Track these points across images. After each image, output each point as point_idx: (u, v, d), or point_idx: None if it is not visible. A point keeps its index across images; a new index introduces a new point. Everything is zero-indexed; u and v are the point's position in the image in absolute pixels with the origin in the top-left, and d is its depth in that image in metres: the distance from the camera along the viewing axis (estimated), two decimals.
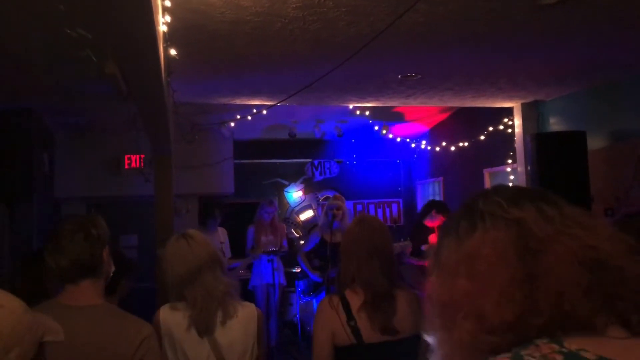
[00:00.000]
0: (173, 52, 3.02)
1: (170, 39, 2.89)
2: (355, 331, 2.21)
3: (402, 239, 6.16)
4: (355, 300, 2.27)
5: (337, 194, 6.35)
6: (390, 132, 8.48)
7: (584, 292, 0.82)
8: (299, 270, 6.71)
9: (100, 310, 1.95)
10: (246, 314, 2.34)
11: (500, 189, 0.95)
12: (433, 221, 5.98)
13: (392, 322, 2.23)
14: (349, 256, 2.35)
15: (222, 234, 6.22)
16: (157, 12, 2.31)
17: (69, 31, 2.01)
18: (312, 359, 2.29)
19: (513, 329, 0.83)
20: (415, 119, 8.25)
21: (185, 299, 2.29)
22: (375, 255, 2.30)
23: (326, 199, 8.65)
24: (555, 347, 0.79)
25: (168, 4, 2.60)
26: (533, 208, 0.89)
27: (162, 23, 2.62)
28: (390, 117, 7.75)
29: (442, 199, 8.07)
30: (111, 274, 2.11)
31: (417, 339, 2.33)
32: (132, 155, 7.44)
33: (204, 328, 2.25)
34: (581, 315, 0.82)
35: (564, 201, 0.92)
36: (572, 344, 0.79)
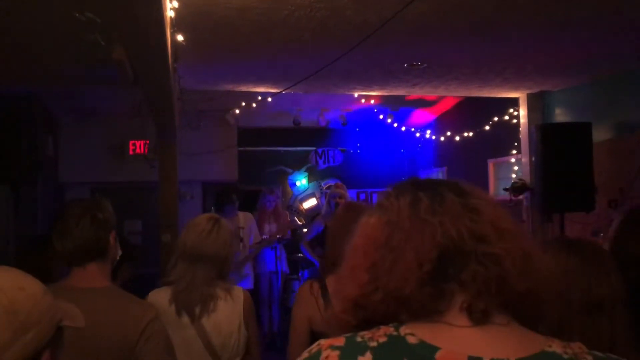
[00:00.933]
0: (180, 37, 3.02)
1: (177, 24, 2.89)
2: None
3: None
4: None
5: (339, 182, 6.35)
6: (395, 121, 8.47)
7: (426, 277, 0.84)
8: (300, 255, 6.71)
9: (107, 292, 1.97)
10: (232, 296, 2.33)
11: (409, 180, 1.00)
12: None
13: None
14: (335, 241, 2.34)
15: (243, 218, 6.06)
16: None
17: (77, 15, 2.02)
18: (289, 342, 2.32)
19: (359, 307, 0.88)
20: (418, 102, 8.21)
21: (169, 282, 2.30)
22: None
23: (329, 187, 8.67)
24: (390, 330, 0.84)
25: None
26: (409, 197, 0.92)
27: (170, 8, 2.62)
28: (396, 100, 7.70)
29: None
30: (118, 258, 2.13)
31: None
32: (137, 141, 7.46)
33: (187, 309, 2.25)
34: (421, 298, 0.84)
35: (466, 188, 0.94)
36: (407, 329, 0.83)
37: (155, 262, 5.45)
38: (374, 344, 0.82)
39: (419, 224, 0.88)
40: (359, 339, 0.84)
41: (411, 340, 0.82)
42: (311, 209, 9.03)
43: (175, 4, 2.66)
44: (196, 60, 4.21)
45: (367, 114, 8.12)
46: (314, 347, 0.86)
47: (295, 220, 8.85)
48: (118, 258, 2.14)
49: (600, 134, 5.04)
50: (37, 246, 2.90)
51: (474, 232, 0.86)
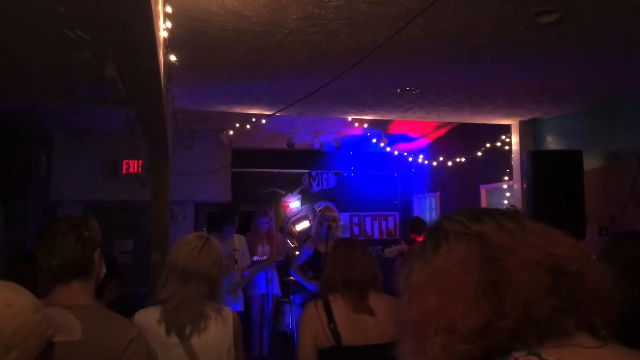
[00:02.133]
0: (173, 58, 3.04)
1: (170, 45, 2.91)
2: (335, 334, 2.30)
3: (396, 243, 6.20)
4: (337, 304, 2.37)
5: (329, 205, 6.34)
6: (389, 146, 8.50)
7: (548, 295, 0.85)
8: (292, 279, 6.66)
9: (89, 310, 1.95)
10: (223, 317, 2.31)
11: (463, 210, 1.00)
12: (421, 238, 6.05)
13: (372, 328, 2.31)
14: (337, 262, 2.49)
15: (237, 241, 6.03)
16: (158, 18, 2.33)
17: (67, 32, 2.03)
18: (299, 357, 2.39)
19: (483, 335, 0.85)
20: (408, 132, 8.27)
21: (159, 302, 2.28)
22: (350, 286, 2.45)
23: (321, 210, 8.65)
24: (534, 359, 0.81)
25: (169, 10, 2.62)
26: (493, 222, 0.93)
27: (163, 29, 2.64)
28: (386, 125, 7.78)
29: (438, 214, 8.08)
30: (102, 276, 2.11)
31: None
32: (130, 161, 7.45)
33: (177, 328, 2.23)
34: (549, 318, 0.84)
35: (525, 217, 0.97)
36: (550, 355, 0.81)
37: (146, 282, 5.40)
38: None
39: (524, 246, 0.89)
40: None
41: None
42: (304, 232, 9.00)
43: (169, 25, 2.69)
44: (190, 81, 4.24)
45: (361, 137, 8.15)
46: None
47: (288, 243, 8.81)
48: (102, 276, 2.12)
49: (591, 162, 5.07)
50: (21, 264, 2.87)
51: (566, 254, 0.89)
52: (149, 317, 2.26)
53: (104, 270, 2.10)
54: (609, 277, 0.89)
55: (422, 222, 6.47)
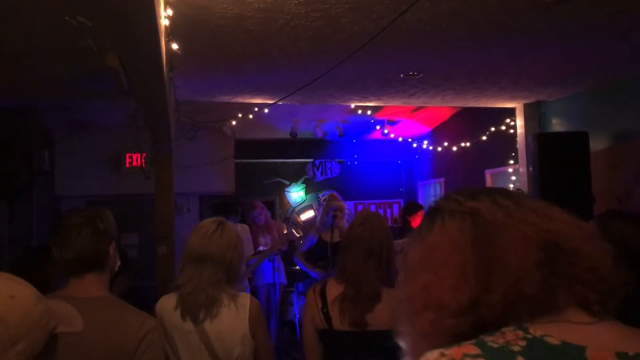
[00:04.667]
0: (175, 46, 3.01)
1: (172, 33, 2.88)
2: (327, 318, 2.35)
3: (403, 235, 6.16)
4: (333, 290, 2.39)
5: (333, 193, 6.32)
6: (392, 132, 8.46)
7: (540, 272, 0.84)
8: (297, 268, 6.66)
9: (104, 302, 1.94)
10: (237, 304, 2.31)
11: (462, 189, 1.00)
12: (416, 222, 6.06)
13: (364, 317, 2.32)
14: (347, 254, 2.47)
15: (242, 231, 6.05)
16: (159, 5, 2.30)
17: (68, 19, 2.00)
18: (303, 345, 2.47)
19: (470, 310, 0.86)
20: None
21: (177, 287, 2.29)
22: (371, 257, 2.41)
23: (325, 199, 8.64)
24: (520, 333, 0.81)
25: None
26: (489, 200, 0.93)
27: (164, 17, 2.61)
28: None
29: None
30: (116, 269, 2.10)
31: (390, 332, 2.37)
32: (133, 154, 7.44)
33: (191, 312, 2.24)
34: (540, 295, 0.84)
35: (525, 196, 0.97)
36: (537, 330, 0.81)
37: (152, 275, 5.40)
38: (517, 348, 0.79)
39: (517, 222, 0.89)
40: (493, 345, 0.81)
41: (552, 341, 0.80)
42: (308, 221, 9.00)
43: (170, 12, 2.65)
44: (192, 71, 4.20)
45: (364, 125, 8.11)
46: (439, 359, 0.81)
47: (293, 233, 8.81)
48: (117, 269, 2.12)
49: (597, 143, 5.03)
50: (35, 257, 2.87)
51: (562, 231, 0.88)
52: (167, 303, 2.31)
53: (119, 263, 2.09)
54: (609, 255, 0.89)
55: (415, 203, 6.59)
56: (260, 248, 6.30)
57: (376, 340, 2.29)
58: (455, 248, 0.90)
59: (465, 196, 0.96)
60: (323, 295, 2.40)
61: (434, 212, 0.98)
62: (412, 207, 6.51)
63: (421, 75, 4.67)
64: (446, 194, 1.02)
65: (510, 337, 0.81)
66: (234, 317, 2.28)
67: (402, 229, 6.33)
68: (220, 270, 2.29)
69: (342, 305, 2.34)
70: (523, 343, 0.80)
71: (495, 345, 0.80)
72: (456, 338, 0.84)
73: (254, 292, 6.34)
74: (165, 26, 2.70)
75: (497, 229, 0.88)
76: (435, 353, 0.82)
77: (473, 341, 0.82)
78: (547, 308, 0.84)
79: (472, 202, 0.94)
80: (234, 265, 2.36)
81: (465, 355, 0.79)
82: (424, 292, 0.92)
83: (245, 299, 2.35)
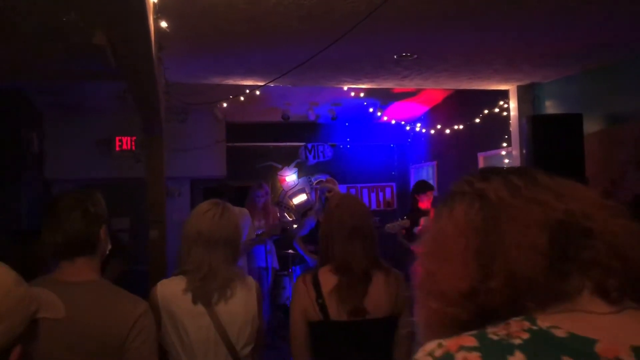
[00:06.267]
0: (164, 24, 2.94)
1: (160, 10, 2.81)
2: (323, 309, 2.26)
3: (399, 218, 6.14)
4: (326, 279, 2.31)
5: (330, 177, 6.29)
6: (385, 115, 8.42)
7: (545, 255, 0.78)
8: (292, 251, 6.64)
9: (95, 286, 1.91)
10: (247, 284, 2.33)
11: (479, 169, 0.95)
12: (424, 202, 5.99)
13: (362, 304, 2.26)
14: (329, 238, 2.38)
15: (239, 214, 5.93)
16: None
17: None
18: (290, 334, 2.36)
19: (471, 298, 0.81)
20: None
21: (184, 272, 2.25)
22: (356, 237, 2.33)
23: (319, 182, 8.61)
24: (526, 324, 0.76)
25: None
26: (500, 179, 0.88)
27: None
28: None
29: (435, 183, 8.03)
30: (107, 253, 2.06)
31: (391, 320, 2.31)
32: (123, 137, 7.38)
33: (203, 298, 2.22)
34: (548, 281, 0.78)
35: (546, 174, 0.90)
36: (545, 321, 0.76)
37: (144, 259, 5.36)
38: (517, 341, 0.74)
39: (525, 203, 0.83)
40: (493, 337, 0.76)
41: (559, 333, 0.74)
42: (301, 205, 8.97)
43: None
44: (182, 51, 4.13)
45: (357, 108, 8.06)
46: (436, 350, 0.77)
47: (285, 216, 8.78)
48: (107, 253, 2.07)
49: (591, 125, 5.01)
50: (25, 240, 2.83)
51: (582, 210, 0.82)
52: (173, 287, 2.25)
53: (110, 247, 2.04)
54: (637, 237, 0.81)
55: (425, 183, 6.34)
56: (257, 231, 6.25)
57: (375, 330, 2.25)
58: (459, 232, 0.86)
59: (476, 177, 0.91)
60: (316, 284, 2.30)
61: (447, 196, 0.94)
62: (422, 186, 6.17)
63: (415, 56, 4.62)
64: (462, 175, 0.96)
65: (514, 329, 0.76)
66: (246, 297, 2.29)
67: (411, 208, 6.21)
68: (230, 252, 2.29)
69: (339, 293, 2.26)
70: (525, 336, 0.75)
71: (495, 338, 0.75)
72: (463, 329, 0.79)
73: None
74: (154, 3, 2.63)
75: (501, 211, 0.83)
76: (433, 344, 0.78)
77: (474, 332, 0.77)
78: (558, 296, 0.78)
79: (481, 182, 0.89)
80: (239, 246, 2.37)
81: (461, 347, 0.75)
82: (428, 279, 0.89)
83: (251, 280, 2.38)
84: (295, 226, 7.46)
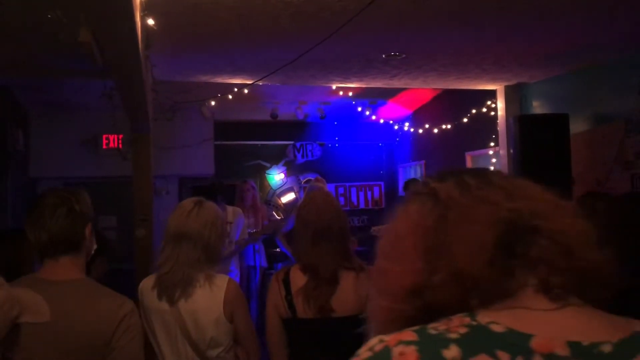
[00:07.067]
0: (151, 21, 2.91)
1: (147, 7, 2.79)
2: (291, 306, 2.29)
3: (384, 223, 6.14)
4: (296, 278, 2.33)
5: (318, 176, 6.28)
6: (374, 114, 8.42)
7: (490, 253, 0.79)
8: (278, 250, 6.63)
9: (80, 284, 1.89)
10: (213, 285, 2.27)
11: (438, 171, 0.96)
12: None
13: (329, 303, 2.27)
14: (297, 239, 2.43)
15: (232, 213, 5.86)
16: None
17: None
18: (266, 329, 2.39)
19: (417, 295, 0.82)
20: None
21: (157, 267, 2.28)
22: (322, 238, 2.33)
23: (308, 181, 8.60)
24: (466, 320, 0.77)
25: None
26: (454, 179, 0.89)
27: None
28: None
29: None
30: (92, 252, 2.04)
31: (358, 318, 2.35)
32: (110, 135, 7.31)
33: (167, 291, 2.22)
34: (492, 279, 0.79)
35: (500, 174, 0.92)
36: (485, 317, 0.77)
37: (131, 258, 5.33)
38: (454, 335, 0.75)
39: (474, 202, 0.84)
40: (432, 331, 0.76)
41: (496, 328, 0.75)
42: (290, 204, 8.95)
43: None
44: (169, 49, 4.10)
45: (346, 107, 8.06)
46: (376, 345, 0.77)
47: (274, 215, 8.77)
48: (93, 252, 2.05)
49: (577, 125, 5.05)
50: (9, 238, 2.79)
51: (531, 209, 0.83)
52: (148, 282, 2.30)
53: (95, 246, 2.02)
54: (589, 234, 0.83)
55: (416, 180, 6.35)
56: (249, 230, 6.23)
57: (342, 328, 2.24)
58: (411, 231, 0.87)
59: (434, 177, 0.92)
60: (286, 282, 2.33)
61: (406, 197, 0.95)
62: (411, 185, 6.25)
63: (404, 55, 4.62)
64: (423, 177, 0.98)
65: (454, 324, 0.76)
66: (208, 298, 2.23)
67: None
68: (198, 250, 2.25)
69: (306, 292, 2.28)
70: (464, 330, 0.75)
71: (434, 332, 0.76)
72: (411, 326, 0.80)
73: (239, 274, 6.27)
74: (141, 0, 2.61)
75: (451, 209, 0.84)
76: (375, 339, 0.79)
77: (416, 327, 0.78)
78: (503, 293, 0.79)
79: (435, 183, 0.90)
80: (212, 245, 2.30)
81: (400, 341, 0.76)
82: (380, 277, 0.90)
83: (223, 280, 2.30)
84: (283, 224, 7.44)
